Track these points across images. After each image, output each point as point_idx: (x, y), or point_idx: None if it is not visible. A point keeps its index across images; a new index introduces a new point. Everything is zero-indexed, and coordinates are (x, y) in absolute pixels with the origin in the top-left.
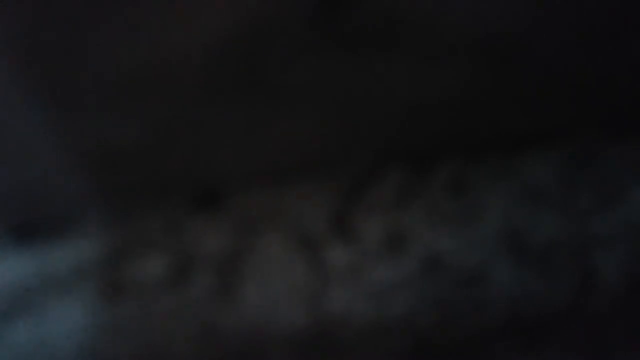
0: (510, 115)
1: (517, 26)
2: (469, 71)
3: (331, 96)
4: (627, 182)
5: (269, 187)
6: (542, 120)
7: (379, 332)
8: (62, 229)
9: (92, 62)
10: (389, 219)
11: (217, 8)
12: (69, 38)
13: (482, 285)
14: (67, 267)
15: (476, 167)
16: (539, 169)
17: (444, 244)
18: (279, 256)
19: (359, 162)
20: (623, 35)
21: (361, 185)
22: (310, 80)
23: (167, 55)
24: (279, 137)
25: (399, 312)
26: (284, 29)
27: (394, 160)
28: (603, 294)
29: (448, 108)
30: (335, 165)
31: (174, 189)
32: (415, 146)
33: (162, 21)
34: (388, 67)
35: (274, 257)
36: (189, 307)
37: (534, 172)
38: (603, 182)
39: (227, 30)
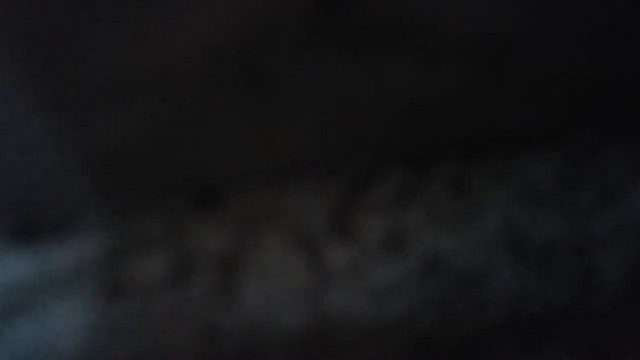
0: (510, 115)
1: (516, 26)
2: (469, 71)
3: (331, 96)
4: (627, 182)
5: (269, 187)
6: (542, 120)
7: (379, 332)
8: (62, 229)
9: (92, 62)
10: (389, 219)
11: (217, 8)
12: (68, 38)
13: (482, 285)
14: (67, 267)
15: (476, 167)
16: (539, 169)
17: (444, 244)
18: (278, 256)
19: (359, 162)
20: (623, 35)
21: (361, 185)
22: (310, 80)
23: (167, 55)
24: (279, 137)
25: (399, 312)
26: (284, 29)
27: (394, 160)
28: (603, 294)
29: (448, 108)
30: (335, 165)
31: (174, 189)
32: (415, 146)
33: (162, 21)
34: (388, 67)
35: (274, 257)
36: (189, 307)
37: (534, 172)
38: (603, 182)
39: (227, 30)
